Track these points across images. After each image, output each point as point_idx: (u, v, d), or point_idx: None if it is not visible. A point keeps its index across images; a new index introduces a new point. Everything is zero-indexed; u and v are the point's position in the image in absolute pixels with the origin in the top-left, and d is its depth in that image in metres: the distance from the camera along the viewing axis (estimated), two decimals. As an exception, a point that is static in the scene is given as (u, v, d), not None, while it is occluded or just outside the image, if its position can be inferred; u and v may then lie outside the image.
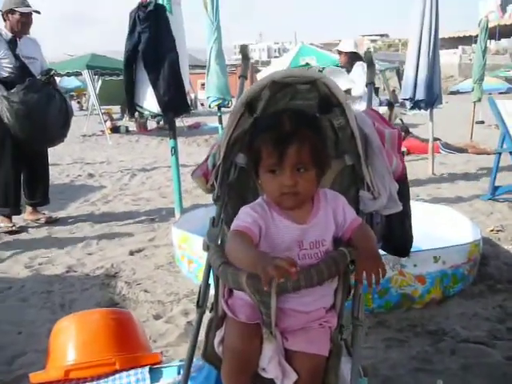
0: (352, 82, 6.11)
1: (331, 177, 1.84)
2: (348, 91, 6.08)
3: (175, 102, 4.50)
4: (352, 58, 6.36)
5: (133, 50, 4.39)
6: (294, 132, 1.53)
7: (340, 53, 6.54)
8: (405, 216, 2.09)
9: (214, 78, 8.29)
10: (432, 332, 2.84)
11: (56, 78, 5.62)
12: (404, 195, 1.97)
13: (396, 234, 2.08)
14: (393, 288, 3.11)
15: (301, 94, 1.81)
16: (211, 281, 1.84)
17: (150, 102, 4.51)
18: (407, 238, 2.15)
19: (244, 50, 2.21)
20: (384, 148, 1.86)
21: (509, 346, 2.64)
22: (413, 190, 4.34)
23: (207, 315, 1.77)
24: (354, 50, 6.44)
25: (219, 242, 1.79)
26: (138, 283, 3.74)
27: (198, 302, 1.83)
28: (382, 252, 2.33)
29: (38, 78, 5.03)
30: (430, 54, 7.13)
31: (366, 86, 2.24)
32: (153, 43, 4.34)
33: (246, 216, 1.60)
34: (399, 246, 2.17)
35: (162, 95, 4.42)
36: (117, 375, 2.00)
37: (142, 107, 4.58)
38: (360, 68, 6.09)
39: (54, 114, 4.95)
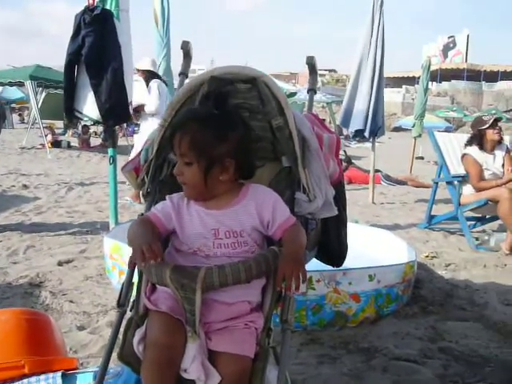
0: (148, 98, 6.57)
1: (268, 178, 1.81)
2: (142, 106, 6.59)
3: (116, 109, 4.37)
4: (148, 76, 6.75)
5: (75, 53, 4.25)
6: (180, 125, 1.58)
7: (138, 70, 6.77)
8: (341, 223, 2.06)
9: (162, 95, 8.18)
10: (364, 349, 2.80)
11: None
12: (340, 201, 1.95)
13: (332, 241, 2.04)
14: (327, 305, 3.05)
15: (241, 93, 1.79)
16: (135, 279, 1.75)
17: (90, 108, 4.36)
18: (343, 247, 2.11)
19: (185, 47, 2.14)
20: (322, 151, 1.84)
21: (439, 364, 2.62)
22: (351, 217, 4.35)
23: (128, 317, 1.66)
24: (151, 69, 6.80)
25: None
26: (63, 293, 3.54)
27: (118, 301, 1.72)
28: (316, 266, 2.30)
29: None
30: (375, 85, 7.31)
31: (308, 92, 2.23)
32: (97, 48, 4.21)
33: (159, 204, 1.67)
34: (334, 255, 2.13)
35: (103, 102, 4.28)
36: (25, 380, 1.82)
37: (81, 113, 4.41)
38: (155, 85, 6.59)
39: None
